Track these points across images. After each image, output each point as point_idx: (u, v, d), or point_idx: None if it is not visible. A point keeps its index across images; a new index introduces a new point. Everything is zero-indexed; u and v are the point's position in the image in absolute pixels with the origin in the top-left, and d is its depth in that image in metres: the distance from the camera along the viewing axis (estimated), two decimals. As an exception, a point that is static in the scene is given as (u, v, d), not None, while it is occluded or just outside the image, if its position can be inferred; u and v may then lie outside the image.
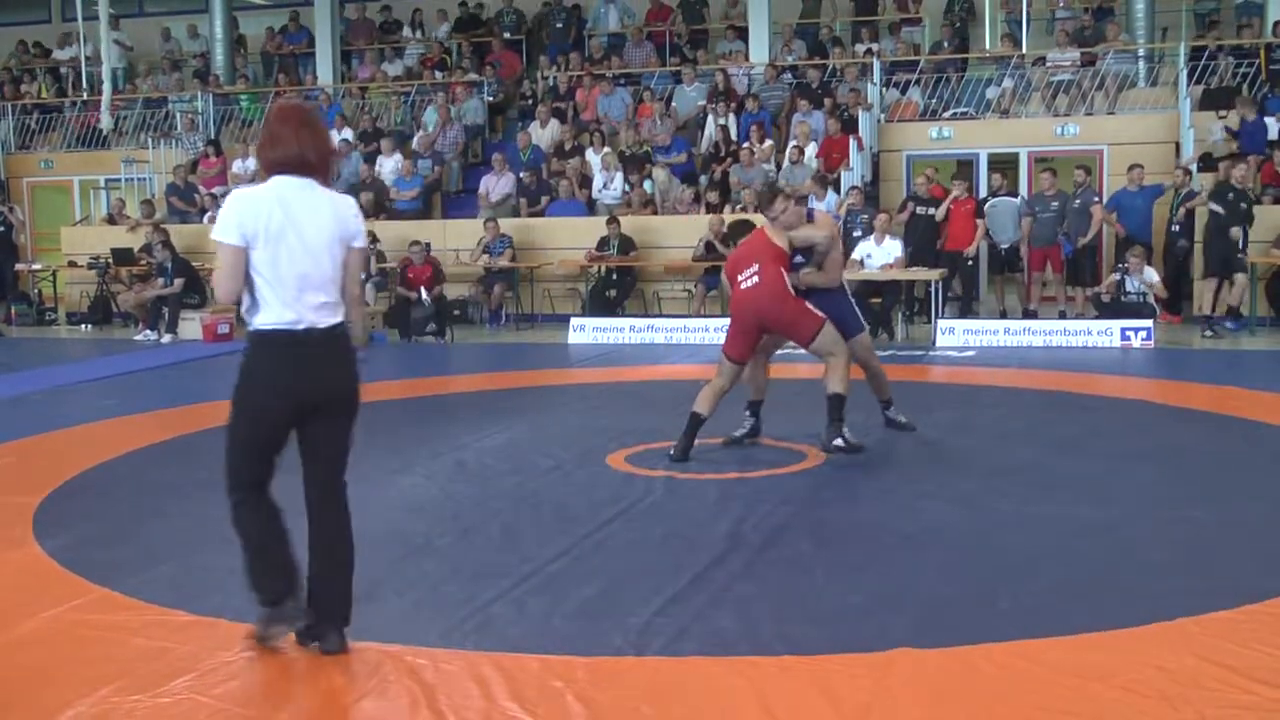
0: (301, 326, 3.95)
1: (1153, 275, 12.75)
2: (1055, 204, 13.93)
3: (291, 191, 3.93)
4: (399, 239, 15.47)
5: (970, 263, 14.25)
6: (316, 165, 3.98)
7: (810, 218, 7.46)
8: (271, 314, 3.94)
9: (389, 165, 17.19)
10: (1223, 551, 5.07)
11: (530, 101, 18.86)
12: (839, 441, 6.84)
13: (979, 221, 14.13)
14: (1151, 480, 6.41)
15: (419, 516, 5.88)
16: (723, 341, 7.21)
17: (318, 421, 4.19)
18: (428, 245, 14.61)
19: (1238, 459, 6.93)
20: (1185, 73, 15.82)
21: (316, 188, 3.98)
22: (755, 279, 6.94)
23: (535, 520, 5.74)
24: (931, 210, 14.10)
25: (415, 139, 17.92)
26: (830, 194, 14.76)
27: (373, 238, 14.26)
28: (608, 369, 11.24)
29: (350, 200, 4.13)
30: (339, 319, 4.04)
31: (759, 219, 7.50)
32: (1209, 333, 12.47)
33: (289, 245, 3.91)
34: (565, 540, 5.30)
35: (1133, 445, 7.32)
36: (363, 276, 4.26)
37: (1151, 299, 12.66)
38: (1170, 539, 5.28)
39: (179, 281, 14.81)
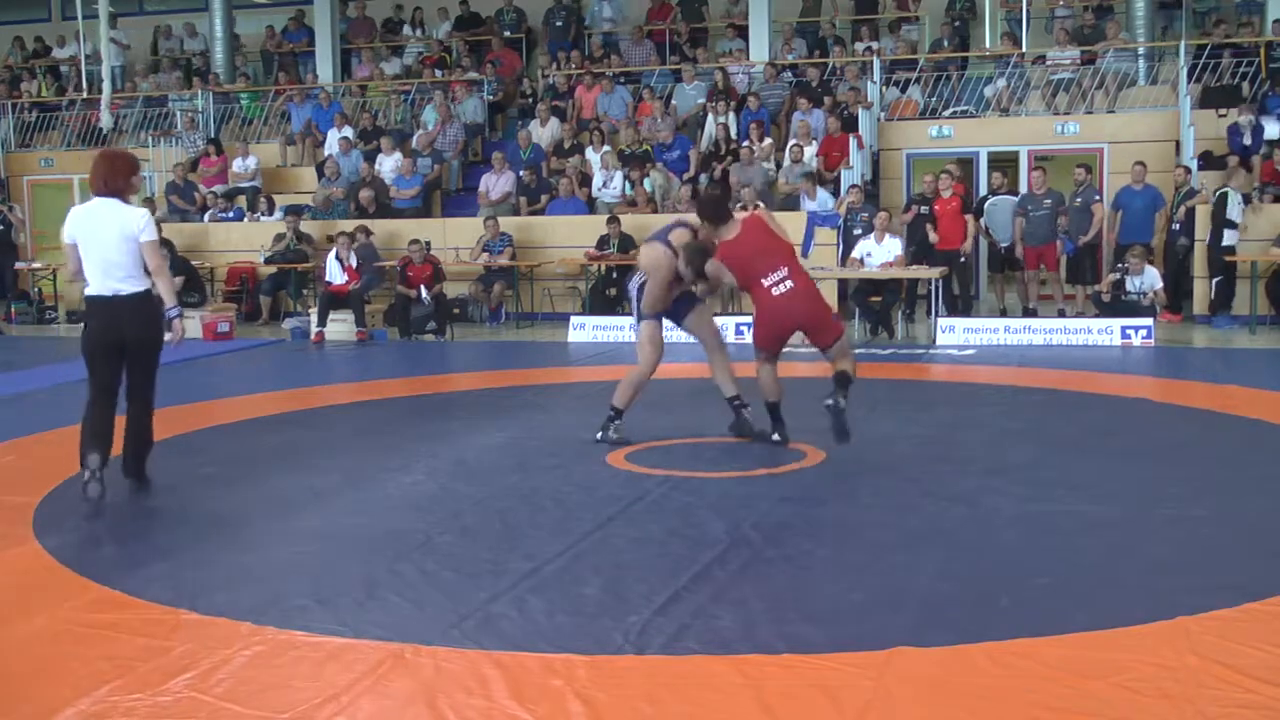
0: (109, 293, 6.16)
1: (1155, 278, 12.72)
2: (1048, 202, 13.92)
3: (96, 207, 6.24)
4: (399, 237, 15.49)
5: (964, 260, 14.24)
6: (111, 190, 6.24)
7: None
8: (93, 287, 6.19)
9: (389, 164, 17.19)
10: (1223, 549, 5.07)
11: (530, 100, 18.86)
12: (830, 401, 6.80)
13: (968, 219, 14.12)
14: (1152, 478, 6.41)
15: (419, 514, 5.88)
16: (751, 337, 7.28)
17: (129, 354, 6.29)
18: (428, 244, 14.61)
19: (1238, 457, 6.93)
20: (1185, 71, 15.81)
21: (114, 203, 6.22)
22: (789, 283, 6.94)
23: (536, 518, 5.74)
24: (923, 209, 14.08)
25: (415, 137, 17.92)
26: (821, 192, 14.75)
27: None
28: (608, 367, 11.23)
29: (140, 211, 6.27)
30: (141, 288, 6.21)
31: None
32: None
33: (96, 241, 6.15)
34: (566, 538, 5.31)
35: (1133, 443, 7.32)
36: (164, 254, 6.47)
37: (1152, 300, 12.64)
38: (1171, 537, 5.27)
39: (178, 280, 14.76)
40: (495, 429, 8.05)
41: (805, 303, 7.00)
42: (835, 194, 15.09)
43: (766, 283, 6.96)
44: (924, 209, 14.12)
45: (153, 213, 16.93)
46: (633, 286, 7.52)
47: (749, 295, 7.27)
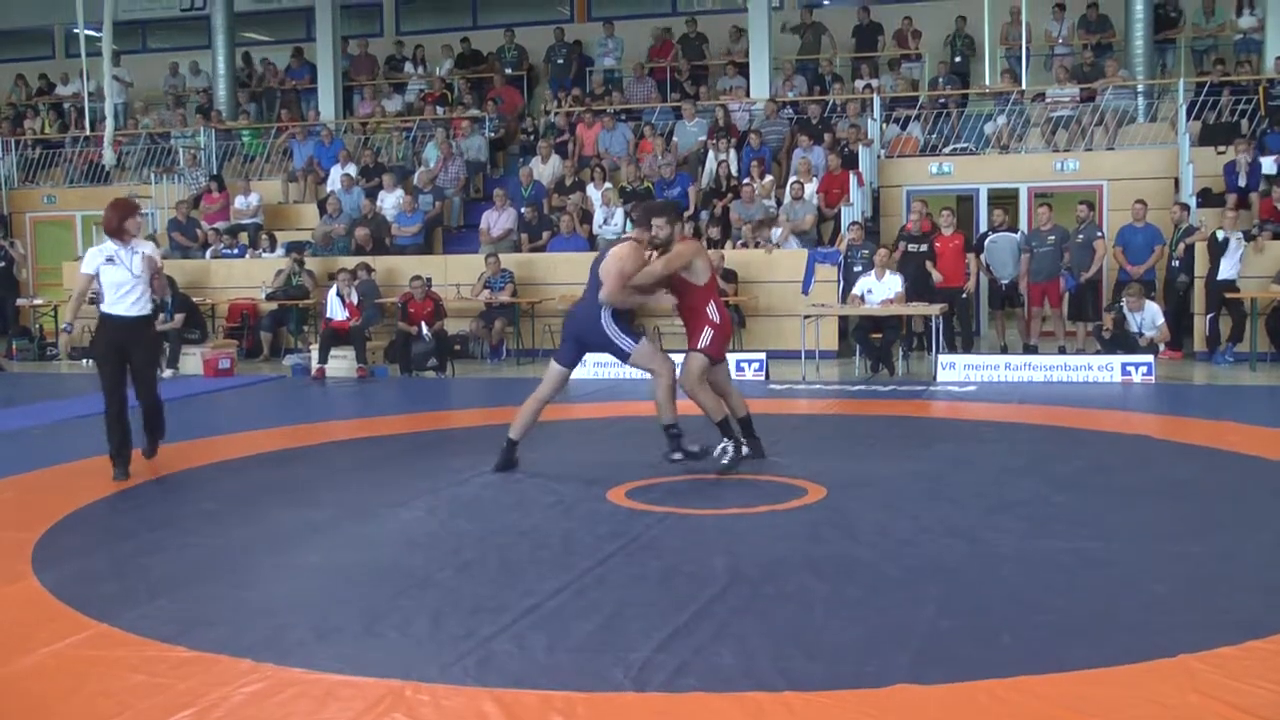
0: (119, 312, 7.88)
1: (1157, 314, 12.73)
2: (1052, 239, 13.98)
3: (109, 246, 7.94)
4: (400, 274, 15.53)
5: (965, 297, 14.28)
6: (112, 233, 7.89)
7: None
8: (107, 306, 7.88)
9: (390, 200, 17.26)
10: (1224, 586, 5.07)
11: (531, 137, 18.96)
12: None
13: (969, 257, 14.17)
14: (1152, 515, 6.41)
15: (419, 550, 5.88)
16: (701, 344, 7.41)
17: (132, 359, 7.96)
18: (429, 280, 14.66)
19: (1238, 494, 6.94)
20: (1184, 108, 15.91)
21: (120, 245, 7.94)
22: None
23: (536, 555, 5.73)
24: (922, 247, 14.15)
25: (416, 174, 18.01)
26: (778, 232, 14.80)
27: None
28: (608, 404, 11.25)
29: (147, 244, 8.10)
30: (143, 311, 7.97)
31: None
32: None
33: (110, 272, 7.86)
34: (566, 575, 5.30)
35: (1133, 480, 7.32)
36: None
37: (1152, 339, 12.64)
38: (1171, 574, 5.27)
39: (179, 317, 14.85)
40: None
41: None
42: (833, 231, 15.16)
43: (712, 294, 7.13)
44: (916, 246, 14.12)
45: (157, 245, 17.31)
46: (607, 325, 7.48)
47: (696, 305, 7.45)
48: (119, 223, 7.85)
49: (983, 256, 14.29)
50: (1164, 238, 14.00)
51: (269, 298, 16.04)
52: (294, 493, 7.35)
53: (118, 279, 7.81)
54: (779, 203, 15.81)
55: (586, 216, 16.46)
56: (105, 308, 7.84)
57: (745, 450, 7.59)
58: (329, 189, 18.10)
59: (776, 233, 15.20)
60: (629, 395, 11.66)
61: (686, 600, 4.89)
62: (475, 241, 16.79)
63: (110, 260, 7.82)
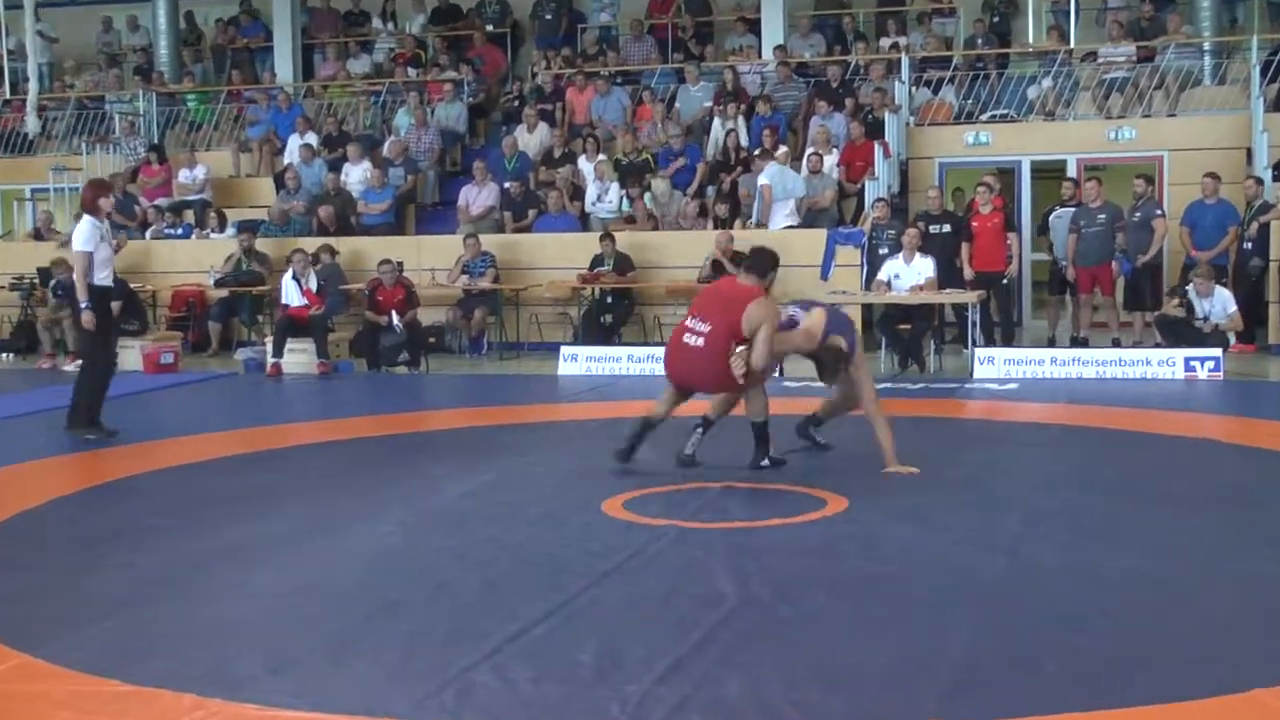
0: (107, 284, 9.65)
1: (1229, 301, 12.73)
2: (1103, 217, 13.99)
3: (93, 221, 9.60)
4: (367, 257, 15.53)
5: (1006, 284, 14.30)
6: (90, 210, 9.61)
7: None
8: (98, 280, 9.49)
9: (356, 174, 17.27)
10: (1299, 610, 5.09)
11: (516, 103, 18.96)
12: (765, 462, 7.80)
13: (1011, 237, 14.19)
14: (1217, 528, 6.42)
15: (389, 570, 5.89)
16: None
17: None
18: (400, 265, 14.67)
19: (1315, 505, 6.96)
20: (1258, 69, 15.88)
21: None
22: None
23: (521, 575, 5.74)
24: (945, 228, 14.15)
25: (386, 145, 18.00)
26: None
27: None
28: (603, 404, 11.25)
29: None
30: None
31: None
32: None
33: (102, 248, 9.56)
34: (555, 597, 5.31)
35: (1197, 489, 7.34)
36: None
37: (1220, 326, 12.65)
38: (1240, 595, 5.27)
39: (114, 305, 14.76)
40: (476, 473, 8.06)
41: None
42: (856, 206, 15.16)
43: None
44: (937, 227, 14.13)
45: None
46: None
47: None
48: (94, 200, 9.58)
49: (1015, 236, 14.31)
50: (1239, 216, 13.99)
51: (218, 284, 16.03)
52: (247, 504, 7.35)
53: (106, 254, 9.59)
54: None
55: (578, 192, 16.47)
56: (97, 281, 9.48)
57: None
58: (286, 161, 18.10)
59: (755, 210, 15.17)
60: (625, 394, 11.67)
61: (690, 625, 4.90)
62: (452, 220, 16.79)
63: (101, 237, 9.51)
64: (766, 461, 7.84)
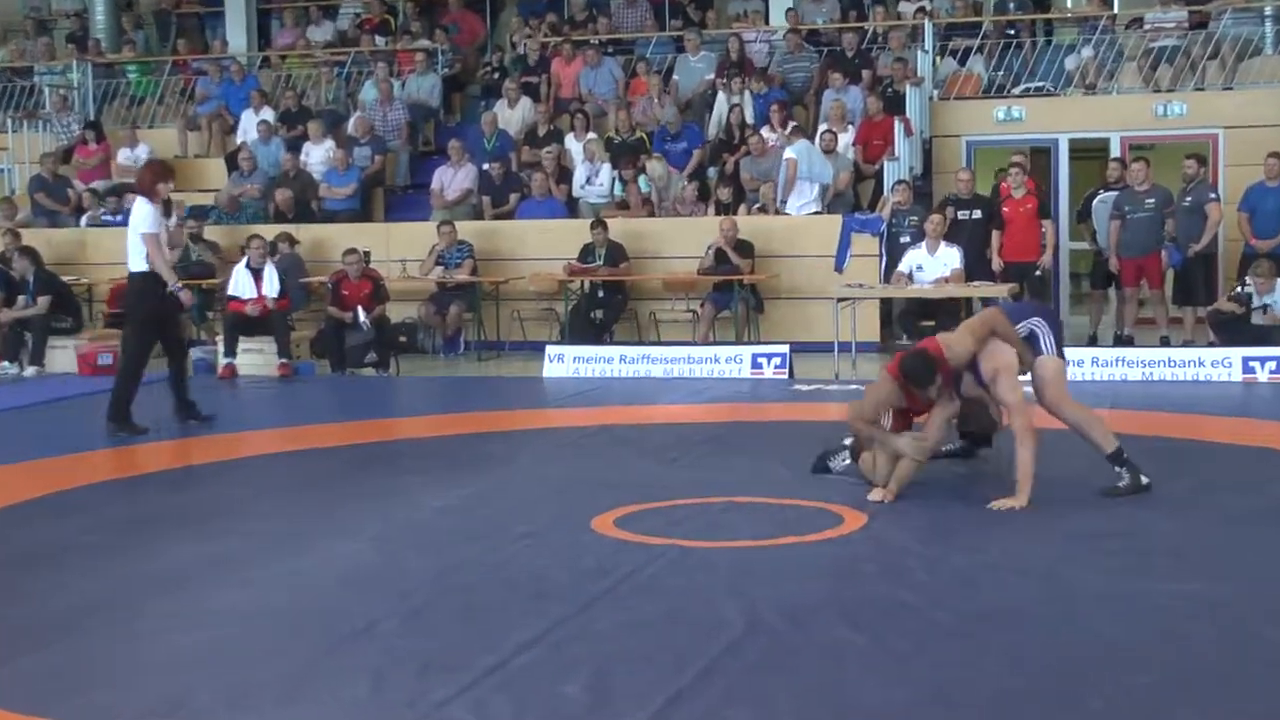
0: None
1: None
2: (1151, 202, 14.00)
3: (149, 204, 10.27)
4: (331, 247, 15.52)
5: (1040, 274, 14.31)
6: (146, 193, 10.16)
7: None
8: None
9: (318, 154, 17.26)
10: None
11: (496, 75, 18.94)
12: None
13: (1045, 224, 14.21)
14: (1278, 549, 6.44)
15: (359, 592, 5.89)
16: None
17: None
18: (367, 255, 14.65)
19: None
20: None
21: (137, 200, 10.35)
22: None
23: (503, 598, 5.74)
24: (975, 213, 14.16)
25: (351, 122, 17.99)
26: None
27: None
28: (592, 409, 11.24)
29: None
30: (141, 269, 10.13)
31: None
32: None
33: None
34: (540, 623, 5.31)
35: (1257, 504, 7.33)
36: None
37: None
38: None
39: (43, 301, 14.77)
40: (453, 487, 8.06)
41: None
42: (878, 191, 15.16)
43: None
44: (967, 213, 14.14)
45: (12, 215, 17.24)
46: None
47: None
48: (152, 183, 10.20)
49: (1050, 224, 14.33)
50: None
51: (163, 277, 15.99)
52: (200, 520, 7.34)
53: (164, 238, 10.23)
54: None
55: (565, 175, 16.46)
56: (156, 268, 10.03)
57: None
58: (240, 140, 18.07)
59: (778, 187, 15.20)
60: (618, 398, 11.68)
61: (691, 655, 4.91)
62: (425, 206, 16.79)
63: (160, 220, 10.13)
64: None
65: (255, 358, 14.00)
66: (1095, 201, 14.60)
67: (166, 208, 10.53)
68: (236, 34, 20.79)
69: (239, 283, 14.12)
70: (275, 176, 17.04)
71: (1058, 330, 7.84)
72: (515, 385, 13.17)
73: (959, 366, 7.41)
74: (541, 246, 15.52)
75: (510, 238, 15.82)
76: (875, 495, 7.36)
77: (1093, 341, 14.11)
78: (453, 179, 16.53)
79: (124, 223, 17.14)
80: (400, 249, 15.69)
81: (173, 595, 5.93)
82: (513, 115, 17.59)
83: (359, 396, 12.77)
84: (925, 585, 5.87)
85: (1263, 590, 5.72)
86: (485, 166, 16.55)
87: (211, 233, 16.23)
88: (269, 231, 15.48)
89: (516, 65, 18.90)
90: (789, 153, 15.12)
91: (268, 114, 18.11)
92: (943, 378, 7.37)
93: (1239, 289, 12.94)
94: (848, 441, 7.98)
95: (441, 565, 6.32)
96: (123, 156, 18.14)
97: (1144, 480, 7.47)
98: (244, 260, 14.32)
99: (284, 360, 13.84)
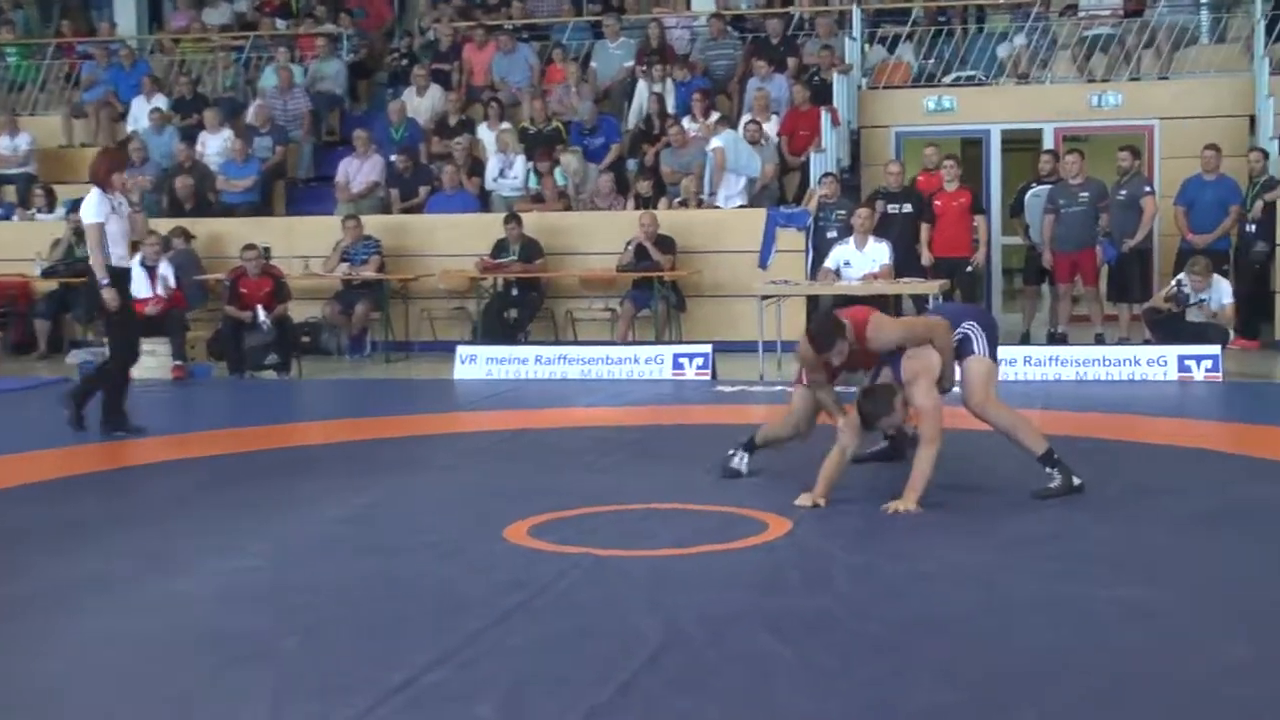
0: (123, 266, 10.17)
1: (1225, 293, 12.92)
2: (1085, 195, 14.15)
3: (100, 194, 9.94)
4: (228, 242, 15.38)
5: (971, 270, 14.42)
6: (101, 183, 9.91)
7: None
8: (115, 260, 9.93)
9: (214, 144, 17.16)
10: (1315, 645, 5.14)
11: (404, 61, 18.88)
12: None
13: (977, 219, 14.33)
14: (1220, 552, 6.49)
15: (251, 610, 5.81)
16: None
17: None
18: (267, 250, 14.58)
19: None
20: (1263, 25, 16.10)
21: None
22: None
23: (409, 614, 5.70)
24: (905, 207, 14.25)
25: (250, 110, 17.89)
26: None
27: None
28: (506, 413, 11.24)
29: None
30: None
31: None
32: None
33: (115, 222, 9.89)
34: (448, 640, 5.27)
35: (1195, 507, 7.41)
36: None
37: (1215, 318, 12.83)
38: (1248, 630, 5.32)
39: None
40: (356, 495, 8.01)
41: None
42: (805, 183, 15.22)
43: None
44: (897, 206, 14.22)
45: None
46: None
47: None
48: (106, 173, 9.94)
49: (982, 219, 14.47)
50: (1241, 194, 14.17)
51: (46, 274, 15.85)
52: (77, 536, 7.22)
53: (119, 229, 9.89)
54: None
55: (477, 166, 16.42)
56: (115, 262, 9.85)
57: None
58: (130, 129, 17.94)
59: (705, 179, 15.23)
60: (533, 401, 11.65)
61: (608, 670, 4.88)
62: (329, 199, 16.72)
63: (113, 209, 9.85)
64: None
65: (148, 360, 13.73)
66: (1028, 195, 14.74)
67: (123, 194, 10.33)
68: (125, 15, 20.60)
69: (133, 281, 13.93)
70: (169, 168, 16.91)
71: (991, 333, 7.93)
72: (425, 388, 13.15)
73: (878, 349, 7.54)
74: (452, 242, 15.47)
75: (419, 233, 15.77)
76: (803, 500, 7.36)
77: (1026, 339, 14.23)
78: (358, 171, 16.44)
79: (4, 217, 17.04)
80: (303, 244, 15.62)
81: (38, 620, 5.78)
82: (422, 104, 17.55)
83: (258, 400, 12.69)
84: (854, 595, 5.88)
85: (1199, 596, 5.76)
86: (393, 158, 16.50)
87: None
88: (163, 226, 15.32)
89: (426, 51, 18.85)
90: (716, 141, 15.17)
91: (160, 101, 17.99)
92: (858, 352, 7.50)
93: (1176, 288, 13.06)
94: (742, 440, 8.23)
95: (341, 580, 6.25)
96: (3, 145, 17.94)
97: (1076, 481, 7.54)
98: (137, 257, 14.13)
99: (178, 362, 13.75)
